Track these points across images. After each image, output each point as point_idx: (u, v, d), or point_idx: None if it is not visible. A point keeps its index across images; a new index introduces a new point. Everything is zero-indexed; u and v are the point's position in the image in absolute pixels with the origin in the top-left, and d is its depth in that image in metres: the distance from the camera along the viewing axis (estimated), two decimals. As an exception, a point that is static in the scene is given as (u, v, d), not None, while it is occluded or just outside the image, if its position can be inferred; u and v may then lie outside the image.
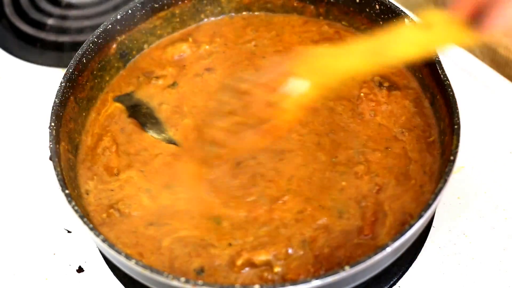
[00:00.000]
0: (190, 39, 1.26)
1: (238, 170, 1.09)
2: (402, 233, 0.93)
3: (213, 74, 1.22)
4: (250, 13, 1.30)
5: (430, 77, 1.13)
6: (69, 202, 0.98)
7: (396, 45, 0.90)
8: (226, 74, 1.21)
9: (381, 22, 1.21)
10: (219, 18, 1.29)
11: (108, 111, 1.18)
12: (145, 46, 1.25)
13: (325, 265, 0.99)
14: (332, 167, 1.09)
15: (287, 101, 0.92)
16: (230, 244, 1.02)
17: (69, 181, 1.05)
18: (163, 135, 1.15)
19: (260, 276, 0.99)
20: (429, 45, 0.91)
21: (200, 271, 1.00)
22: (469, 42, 0.88)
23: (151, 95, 1.20)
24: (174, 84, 1.21)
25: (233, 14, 1.30)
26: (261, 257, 1.00)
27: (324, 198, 1.06)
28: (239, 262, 1.00)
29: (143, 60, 1.25)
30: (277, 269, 0.99)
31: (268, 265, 1.00)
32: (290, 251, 1.00)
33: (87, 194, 1.08)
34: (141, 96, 1.20)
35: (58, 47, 1.44)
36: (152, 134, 1.15)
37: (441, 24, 0.87)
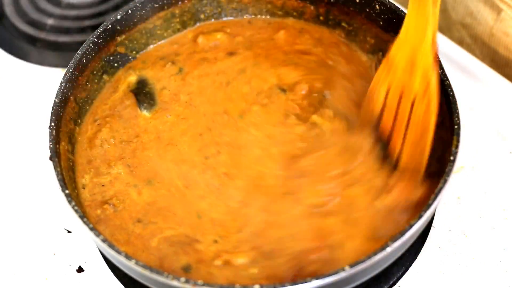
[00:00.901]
0: (228, 30, 1.27)
1: (207, 166, 1.10)
2: (402, 233, 0.93)
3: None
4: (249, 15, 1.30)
5: (430, 77, 1.13)
6: (69, 202, 0.98)
7: None
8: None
9: (381, 22, 1.21)
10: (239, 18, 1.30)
11: (123, 86, 1.20)
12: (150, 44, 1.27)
13: (302, 273, 0.98)
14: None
15: None
16: (215, 241, 1.02)
17: (69, 181, 1.05)
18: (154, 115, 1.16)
19: (235, 274, 0.99)
20: None
21: (187, 269, 1.00)
22: None
23: (159, 78, 1.21)
24: (180, 71, 1.22)
25: (234, 15, 1.30)
26: (239, 260, 1.00)
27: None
28: (217, 262, 1.00)
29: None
30: (252, 271, 0.99)
31: (245, 266, 0.99)
32: (267, 255, 1.00)
33: (84, 188, 1.09)
34: (149, 76, 1.21)
35: (58, 47, 1.44)
36: (145, 113, 1.17)
37: None
